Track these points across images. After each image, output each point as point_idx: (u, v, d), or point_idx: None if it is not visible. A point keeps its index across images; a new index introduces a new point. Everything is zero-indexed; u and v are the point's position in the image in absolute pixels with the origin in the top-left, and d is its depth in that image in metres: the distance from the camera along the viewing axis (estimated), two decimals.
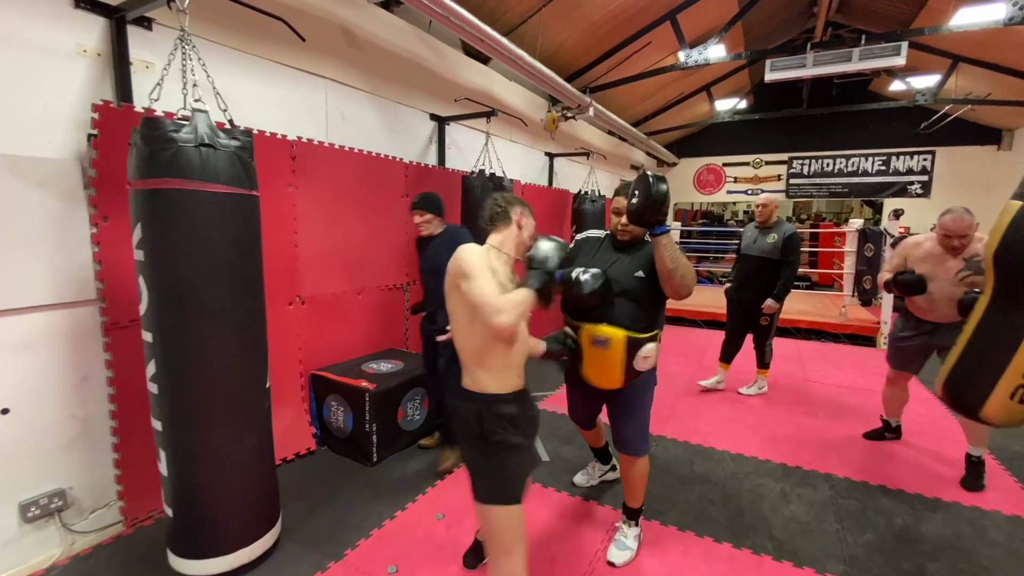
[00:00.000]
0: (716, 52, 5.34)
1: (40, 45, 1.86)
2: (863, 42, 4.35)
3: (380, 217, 3.46)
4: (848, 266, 6.02)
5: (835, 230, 8.20)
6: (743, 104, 8.50)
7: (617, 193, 2.02)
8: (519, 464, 1.49)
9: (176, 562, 1.89)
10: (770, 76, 4.74)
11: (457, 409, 1.49)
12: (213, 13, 2.36)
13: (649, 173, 1.66)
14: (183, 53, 1.79)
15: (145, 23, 2.14)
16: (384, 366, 3.16)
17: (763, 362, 3.99)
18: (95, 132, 1.96)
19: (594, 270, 1.83)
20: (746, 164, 9.87)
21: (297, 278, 2.93)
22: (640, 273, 1.90)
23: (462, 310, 1.41)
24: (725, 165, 10.09)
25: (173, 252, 1.70)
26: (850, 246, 6.00)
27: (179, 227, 1.68)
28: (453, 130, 4.16)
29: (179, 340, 1.74)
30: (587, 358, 1.94)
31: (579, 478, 2.69)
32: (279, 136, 2.72)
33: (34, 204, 1.88)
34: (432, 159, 4.00)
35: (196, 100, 1.74)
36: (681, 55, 5.36)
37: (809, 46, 4.59)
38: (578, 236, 2.26)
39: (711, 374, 4.26)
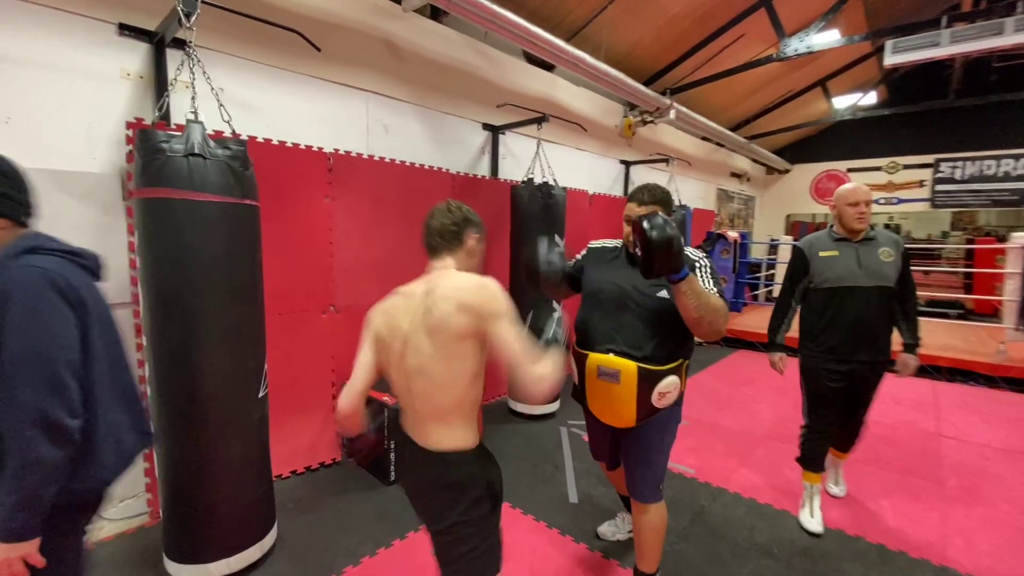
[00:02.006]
0: (825, 38, 4.59)
1: (87, 71, 2.06)
2: (1019, 9, 3.38)
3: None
4: (1010, 292, 4.75)
5: (996, 246, 6.62)
6: (872, 99, 7.28)
7: (630, 199, 1.72)
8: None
9: (167, 563, 1.92)
10: (891, 59, 3.90)
11: (449, 481, 1.20)
12: (249, 33, 2.46)
13: (646, 220, 1.36)
14: (190, 68, 1.86)
15: (184, 46, 2.28)
16: None
17: (850, 443, 2.58)
18: (131, 148, 2.12)
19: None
20: (877, 169, 8.45)
21: (332, 288, 2.96)
22: (665, 293, 1.59)
23: (474, 359, 1.18)
24: (850, 171, 8.74)
25: (160, 259, 1.74)
26: (1013, 266, 4.74)
27: (165, 235, 1.72)
28: (509, 139, 4.03)
29: (166, 346, 1.78)
30: (592, 392, 1.69)
31: (604, 529, 2.33)
32: (315, 149, 2.78)
33: (78, 214, 2.07)
34: (485, 169, 3.89)
35: (191, 111, 1.78)
36: (781, 45, 4.70)
37: (945, 19, 3.70)
38: (591, 244, 1.96)
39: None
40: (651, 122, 5.44)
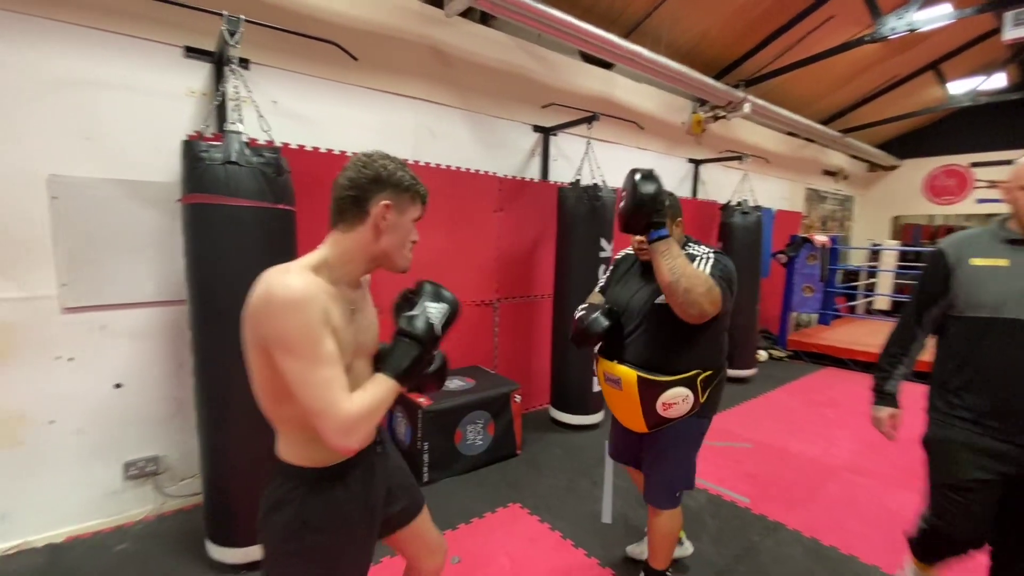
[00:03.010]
0: (931, 13, 3.99)
1: (157, 90, 2.29)
2: None
3: (468, 232, 3.43)
4: None
5: None
6: (1000, 81, 6.25)
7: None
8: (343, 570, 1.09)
9: (207, 544, 2.07)
10: (1010, 34, 3.30)
11: (268, 487, 1.08)
12: (301, 49, 2.61)
13: (636, 171, 1.43)
14: (233, 83, 2.00)
15: (243, 63, 2.47)
16: (454, 383, 3.07)
17: None
18: None
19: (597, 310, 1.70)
20: (1008, 162, 7.17)
21: (374, 291, 3.03)
22: (661, 300, 1.58)
23: (268, 376, 0.96)
24: (973, 165, 7.58)
25: (200, 260, 1.88)
26: None
27: (204, 237, 1.86)
28: (562, 141, 3.93)
29: (205, 341, 1.92)
30: (606, 396, 1.78)
31: (633, 549, 2.18)
32: None
33: (146, 219, 2.31)
34: (535, 171, 3.83)
35: (232, 123, 1.91)
36: (876, 25, 4.17)
37: None
38: (618, 254, 1.93)
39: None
40: (723, 117, 5.07)
